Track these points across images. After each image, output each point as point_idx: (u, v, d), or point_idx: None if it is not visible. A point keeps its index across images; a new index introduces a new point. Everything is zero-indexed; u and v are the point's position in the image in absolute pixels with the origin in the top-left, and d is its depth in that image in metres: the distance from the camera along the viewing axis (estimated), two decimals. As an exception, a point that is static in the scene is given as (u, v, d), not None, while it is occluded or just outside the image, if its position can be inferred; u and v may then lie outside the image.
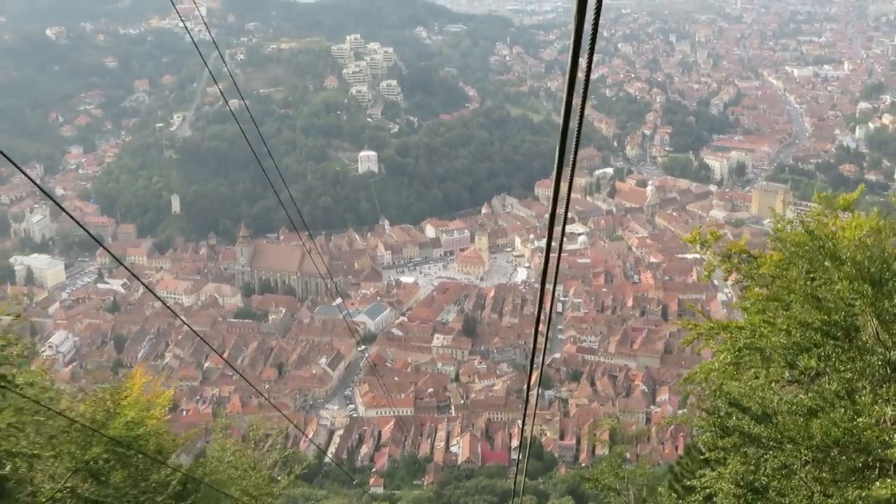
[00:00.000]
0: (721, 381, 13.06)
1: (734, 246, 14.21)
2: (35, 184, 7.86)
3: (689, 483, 16.13)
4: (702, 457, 17.45)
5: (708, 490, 13.00)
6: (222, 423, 21.77)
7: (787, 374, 12.67)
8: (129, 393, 16.44)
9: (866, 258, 11.82)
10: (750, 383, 12.59)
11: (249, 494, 19.58)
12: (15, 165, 7.03)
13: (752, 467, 12.22)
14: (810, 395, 11.67)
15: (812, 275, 12.52)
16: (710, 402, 12.92)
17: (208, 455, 20.74)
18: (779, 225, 13.67)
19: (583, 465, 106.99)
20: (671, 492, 19.90)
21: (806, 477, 11.67)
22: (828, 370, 11.74)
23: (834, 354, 11.51)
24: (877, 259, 11.85)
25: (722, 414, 12.28)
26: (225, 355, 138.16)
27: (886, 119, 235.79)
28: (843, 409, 10.93)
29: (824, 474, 11.48)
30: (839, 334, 11.48)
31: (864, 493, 10.51)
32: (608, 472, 23.87)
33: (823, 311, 11.66)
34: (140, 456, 14.97)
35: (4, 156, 6.42)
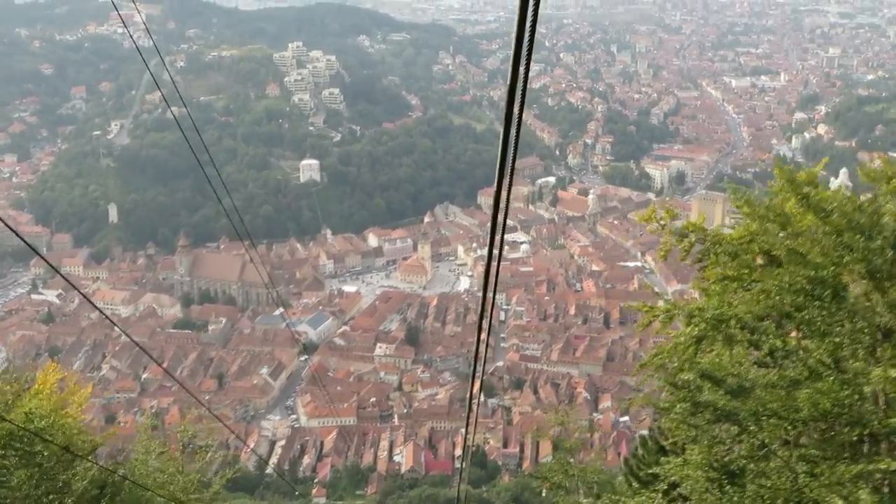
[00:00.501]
0: (685, 359, 12.00)
1: (691, 225, 13.39)
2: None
3: (649, 472, 15.43)
4: (664, 443, 16.71)
5: (673, 479, 12.15)
6: (147, 424, 20.69)
7: (752, 356, 11.69)
8: (40, 388, 15.58)
9: (855, 209, 10.92)
10: (717, 360, 11.68)
11: (177, 499, 18.56)
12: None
13: (724, 448, 11.37)
14: (794, 364, 10.77)
15: (788, 232, 11.50)
16: (677, 377, 11.84)
17: (131, 458, 19.75)
18: (738, 202, 12.77)
19: (526, 472, 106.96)
20: (629, 485, 18.95)
21: (790, 455, 10.81)
22: (810, 336, 10.84)
23: (820, 318, 10.56)
24: (868, 210, 10.99)
25: (693, 388, 11.26)
26: (164, 367, 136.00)
27: (821, 129, 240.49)
28: (831, 378, 10.12)
29: (812, 451, 10.63)
30: (826, 294, 10.52)
31: (856, 470, 9.81)
32: (557, 470, 23.11)
33: (809, 266, 10.68)
34: (46, 454, 14.09)
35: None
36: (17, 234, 9.18)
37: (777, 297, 10.90)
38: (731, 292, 12.00)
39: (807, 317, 10.65)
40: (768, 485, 10.70)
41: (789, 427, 10.43)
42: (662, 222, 13.60)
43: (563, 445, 25.06)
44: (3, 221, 7.97)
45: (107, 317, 18.11)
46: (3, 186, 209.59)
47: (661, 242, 13.86)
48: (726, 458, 11.23)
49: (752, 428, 10.67)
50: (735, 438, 11.22)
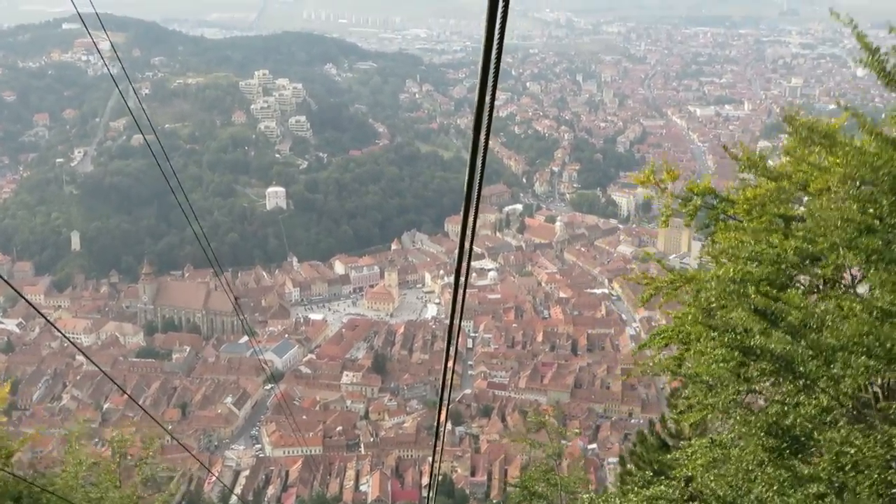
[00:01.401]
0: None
1: (696, 186, 11.94)
2: None
3: (666, 459, 13.71)
4: (665, 437, 15.29)
5: (688, 471, 10.24)
6: (77, 432, 19.11)
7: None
8: None
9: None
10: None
11: None
12: None
13: (776, 416, 9.09)
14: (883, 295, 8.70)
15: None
16: (720, 317, 9.64)
17: (60, 471, 18.32)
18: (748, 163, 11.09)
19: (494, 501, 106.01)
20: (627, 483, 15.99)
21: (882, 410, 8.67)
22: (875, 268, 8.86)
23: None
24: None
25: (740, 330, 9.00)
26: (125, 396, 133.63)
27: (785, 158, 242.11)
28: None
29: None
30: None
31: None
32: (538, 478, 21.92)
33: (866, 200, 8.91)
34: None
35: None
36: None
37: (836, 229, 8.99)
38: (747, 254, 10.23)
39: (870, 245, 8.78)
40: (851, 452, 8.45)
41: (884, 368, 8.32)
42: (663, 185, 12.19)
43: (546, 451, 23.93)
44: None
45: (72, 342, 18.02)
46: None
47: (661, 207, 12.40)
48: (788, 422, 9.01)
49: (825, 376, 8.61)
50: (800, 393, 9.05)
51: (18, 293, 12.45)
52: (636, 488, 12.86)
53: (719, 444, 9.91)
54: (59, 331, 19.31)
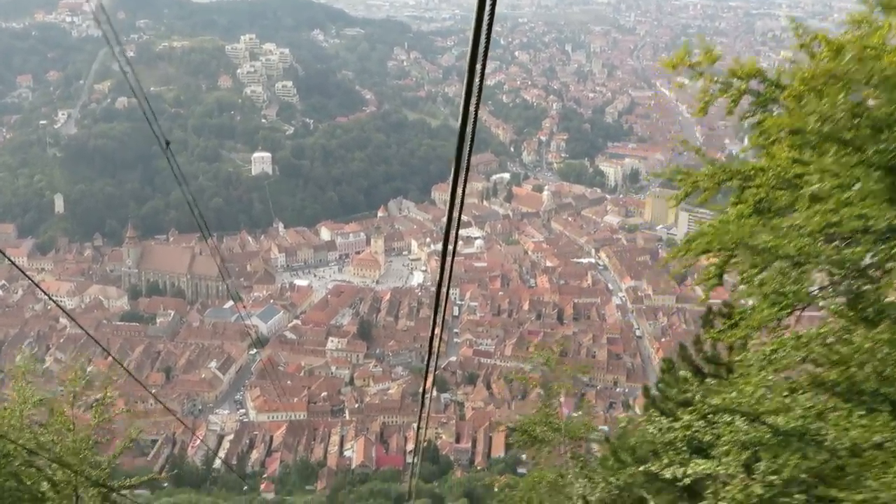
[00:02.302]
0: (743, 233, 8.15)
1: (741, 69, 9.66)
2: None
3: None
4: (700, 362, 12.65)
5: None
6: (24, 368, 16.22)
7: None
8: None
9: None
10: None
11: (64, 463, 15.21)
12: None
13: None
14: None
15: None
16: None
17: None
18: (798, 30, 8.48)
19: (478, 468, 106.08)
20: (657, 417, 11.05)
21: None
22: None
23: None
24: None
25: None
26: (109, 359, 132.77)
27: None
28: None
29: None
30: None
31: None
32: (540, 422, 19.49)
33: None
34: None
35: None
36: None
37: None
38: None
39: None
40: None
41: None
42: (700, 68, 10.32)
43: (549, 389, 22.04)
44: None
45: (56, 303, 17.11)
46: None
47: (698, 92, 10.53)
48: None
49: None
50: None
51: (3, 253, 11.74)
52: (661, 420, 11.19)
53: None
54: (43, 292, 17.50)
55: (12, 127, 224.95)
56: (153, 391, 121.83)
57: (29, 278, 14.53)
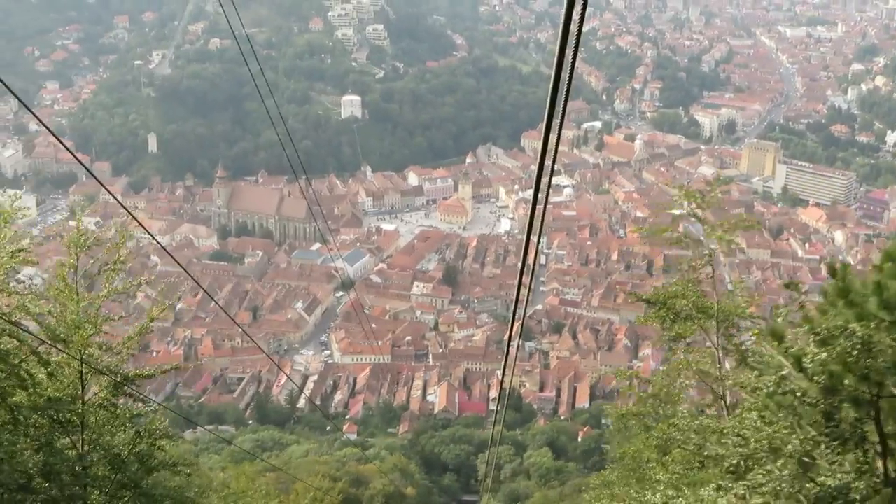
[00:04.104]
0: None
1: None
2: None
3: None
4: None
5: None
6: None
7: None
8: None
9: None
10: None
11: (56, 338, 12.44)
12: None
13: None
14: None
15: None
16: None
17: None
18: None
19: (562, 417, 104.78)
20: None
21: None
22: None
23: None
24: None
25: None
26: (198, 297, 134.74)
27: (879, 81, 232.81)
28: None
29: None
30: None
31: None
32: (683, 294, 15.64)
33: None
34: None
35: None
36: (80, 162, 10.02)
37: None
38: None
39: None
40: None
41: None
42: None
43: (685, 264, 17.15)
44: (64, 146, 8.08)
45: (156, 240, 15.09)
46: (45, 113, 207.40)
47: None
48: None
49: None
50: None
51: (108, 191, 10.61)
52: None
53: None
54: (145, 229, 13.71)
55: (109, 66, 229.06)
56: (243, 329, 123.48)
57: (131, 214, 12.76)
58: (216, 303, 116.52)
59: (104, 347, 13.48)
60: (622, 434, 20.91)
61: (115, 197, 11.98)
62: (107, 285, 14.08)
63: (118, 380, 13.02)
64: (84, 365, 12.61)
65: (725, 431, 9.43)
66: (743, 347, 14.66)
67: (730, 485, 8.29)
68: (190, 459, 14.38)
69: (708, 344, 15.60)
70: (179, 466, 14.33)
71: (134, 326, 14.82)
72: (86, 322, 12.84)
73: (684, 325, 15.65)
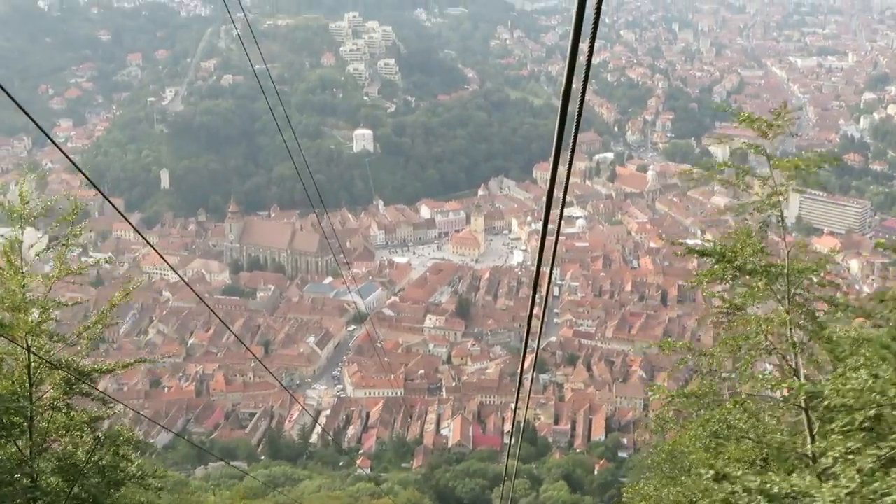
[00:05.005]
0: None
1: None
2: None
3: None
4: None
5: None
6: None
7: None
8: None
9: None
10: None
11: None
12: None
13: None
14: None
15: None
16: None
17: None
18: None
19: (578, 450, 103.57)
20: None
21: None
22: None
23: None
24: None
25: None
26: (210, 332, 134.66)
27: (892, 109, 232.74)
28: None
29: None
30: None
31: None
32: (753, 243, 12.54)
33: None
34: None
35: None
36: (104, 196, 8.81)
37: None
38: None
39: None
40: None
41: None
42: None
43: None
44: (88, 179, 7.58)
45: (178, 275, 15.71)
46: (58, 150, 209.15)
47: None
48: None
49: None
50: None
51: (135, 229, 10.02)
52: None
53: None
54: (169, 265, 13.09)
55: (122, 104, 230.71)
56: (252, 364, 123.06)
57: (155, 250, 12.44)
58: (232, 333, 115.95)
59: (56, 338, 11.99)
60: (662, 432, 18.57)
61: (145, 238, 11.29)
62: (58, 264, 12.67)
63: (73, 375, 11.56)
64: (33, 358, 11.28)
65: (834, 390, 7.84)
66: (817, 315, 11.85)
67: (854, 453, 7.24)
68: (161, 472, 12.60)
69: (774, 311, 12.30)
70: (149, 479, 12.29)
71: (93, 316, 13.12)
72: (31, 305, 11.58)
73: (750, 285, 12.33)
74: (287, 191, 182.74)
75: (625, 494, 22.79)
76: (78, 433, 11.77)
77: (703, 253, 12.51)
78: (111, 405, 12.78)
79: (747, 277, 12.14)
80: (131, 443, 12.16)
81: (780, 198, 12.19)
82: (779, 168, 12.69)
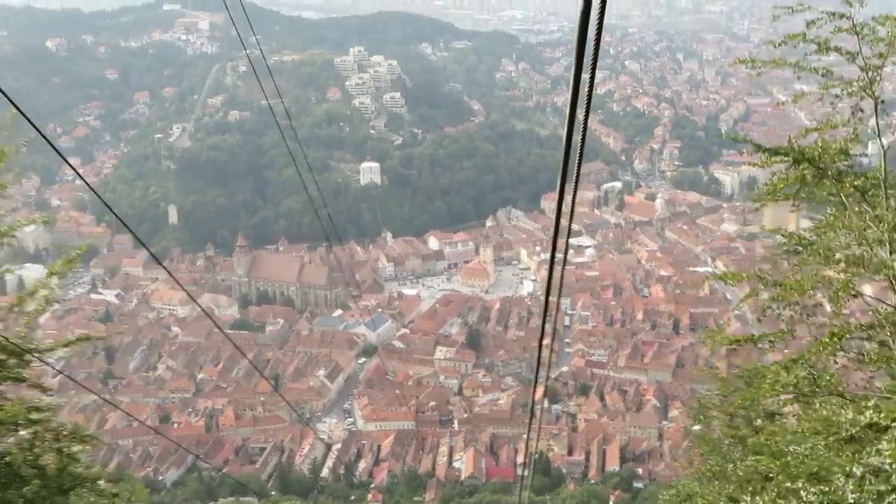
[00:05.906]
0: None
1: None
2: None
3: None
4: None
5: None
6: None
7: None
8: None
9: None
10: None
11: None
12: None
13: None
14: None
15: None
16: None
17: None
18: None
19: (592, 481, 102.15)
20: None
21: None
22: None
23: None
24: None
25: None
26: (219, 367, 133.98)
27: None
28: None
29: None
30: None
31: None
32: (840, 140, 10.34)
33: None
34: None
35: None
36: (127, 228, 10.21)
37: None
38: None
39: None
40: None
41: None
42: None
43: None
44: (111, 210, 8.56)
45: (208, 315, 16.89)
46: (67, 188, 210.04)
47: None
48: None
49: None
50: None
51: (168, 272, 9.15)
52: None
53: None
54: (193, 300, 10.92)
55: (129, 141, 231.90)
56: (261, 399, 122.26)
57: (191, 296, 12.00)
58: (249, 360, 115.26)
59: None
60: (705, 420, 15.61)
61: (175, 279, 10.09)
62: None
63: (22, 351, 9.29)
64: None
65: None
66: None
67: None
68: (118, 475, 10.03)
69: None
70: (101, 484, 10.16)
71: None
72: None
73: (833, 189, 9.54)
74: (295, 224, 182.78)
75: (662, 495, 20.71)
76: (9, 428, 9.48)
77: (775, 151, 9.64)
78: (52, 392, 10.26)
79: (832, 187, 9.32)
80: (77, 437, 9.86)
81: (876, 75, 9.32)
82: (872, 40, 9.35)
